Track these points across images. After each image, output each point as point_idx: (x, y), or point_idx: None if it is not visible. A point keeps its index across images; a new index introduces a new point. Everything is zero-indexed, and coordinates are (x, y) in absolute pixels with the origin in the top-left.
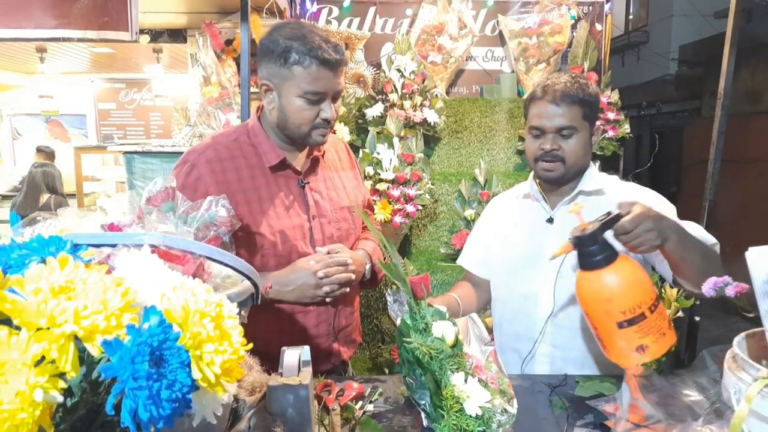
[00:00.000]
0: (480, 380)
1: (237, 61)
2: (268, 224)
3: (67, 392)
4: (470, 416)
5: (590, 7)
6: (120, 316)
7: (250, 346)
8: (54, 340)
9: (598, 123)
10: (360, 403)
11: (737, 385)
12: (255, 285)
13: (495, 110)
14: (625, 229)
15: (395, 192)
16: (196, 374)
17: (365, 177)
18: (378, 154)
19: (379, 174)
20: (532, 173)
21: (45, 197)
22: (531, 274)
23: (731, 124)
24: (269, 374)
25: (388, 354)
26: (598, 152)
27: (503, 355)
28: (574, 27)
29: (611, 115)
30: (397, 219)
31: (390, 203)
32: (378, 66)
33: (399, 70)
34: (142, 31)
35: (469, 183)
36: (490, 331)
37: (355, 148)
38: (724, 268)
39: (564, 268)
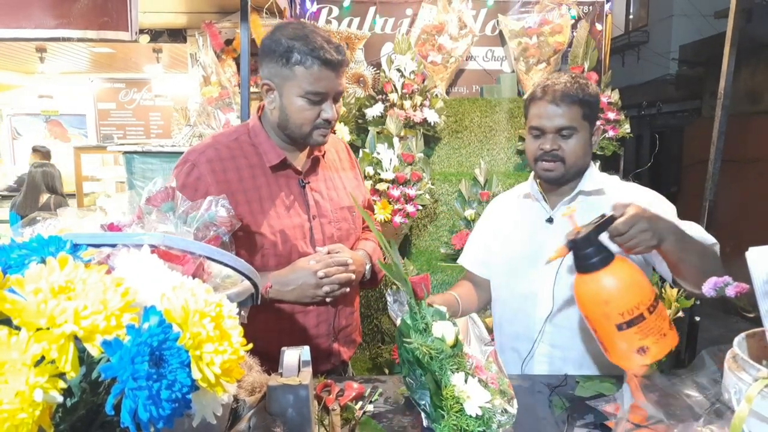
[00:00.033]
0: (480, 380)
1: (237, 60)
2: (269, 224)
3: (67, 392)
4: (470, 416)
5: (590, 7)
6: (120, 316)
7: (250, 346)
8: (54, 340)
9: (598, 123)
10: (360, 403)
11: (737, 386)
12: (255, 285)
13: (495, 110)
14: (620, 231)
15: (395, 192)
16: (195, 374)
17: (365, 177)
18: (378, 154)
19: (379, 174)
20: (532, 173)
21: (45, 197)
22: (530, 274)
23: (731, 124)
24: (269, 374)
25: (388, 354)
26: (598, 152)
27: (503, 354)
28: (574, 27)
29: (611, 115)
30: (397, 219)
31: (390, 203)
32: (378, 66)
33: (399, 70)
34: (141, 31)
35: (469, 183)
36: (490, 331)
37: (355, 148)
38: (725, 268)
39: (563, 269)
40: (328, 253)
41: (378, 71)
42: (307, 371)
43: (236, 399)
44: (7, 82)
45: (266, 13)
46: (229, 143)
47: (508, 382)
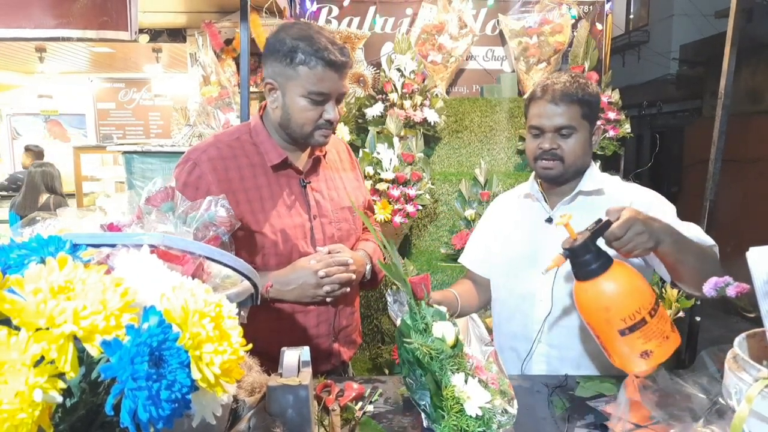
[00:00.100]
0: (480, 381)
1: (236, 60)
2: (270, 223)
3: (67, 392)
4: (470, 417)
5: (591, 7)
6: (119, 316)
7: (250, 346)
8: (53, 340)
9: (598, 123)
10: (360, 403)
11: (738, 386)
12: (254, 285)
13: (495, 110)
14: (616, 235)
15: (395, 192)
16: (195, 375)
17: (365, 177)
18: (378, 153)
19: (379, 174)
20: (533, 173)
21: (44, 197)
22: (529, 274)
23: (732, 124)
24: (269, 374)
25: (388, 354)
26: (598, 152)
27: (502, 354)
28: (574, 26)
29: (612, 115)
30: (397, 219)
31: (390, 203)
32: (378, 65)
33: (399, 70)
34: (141, 31)
35: (470, 183)
36: (490, 331)
37: (355, 147)
38: (725, 268)
39: (562, 270)
40: (329, 252)
41: (378, 71)
42: (307, 371)
43: (236, 399)
44: (7, 82)
45: (266, 13)
46: (231, 142)
47: (509, 383)
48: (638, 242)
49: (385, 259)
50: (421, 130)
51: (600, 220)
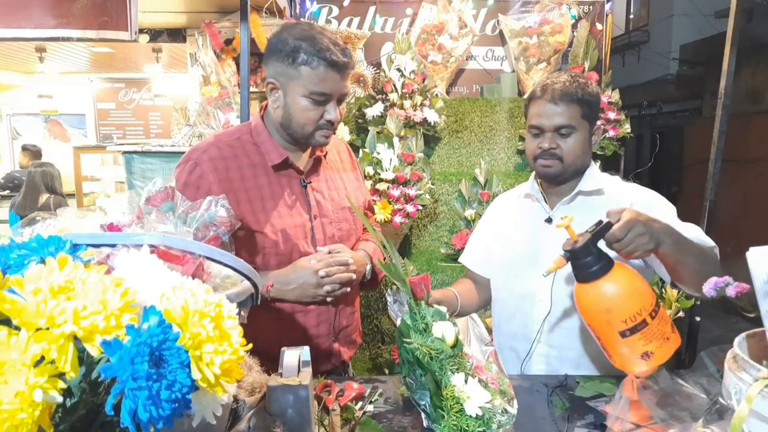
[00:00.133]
0: (480, 381)
1: (236, 60)
2: (270, 223)
3: (67, 392)
4: (470, 417)
5: (591, 7)
6: (119, 316)
7: (250, 346)
8: (53, 340)
9: (598, 123)
10: (360, 403)
11: (738, 386)
12: (254, 285)
13: (495, 110)
14: (617, 237)
15: (395, 192)
16: (195, 374)
17: (365, 177)
18: (378, 153)
19: (379, 174)
20: (533, 173)
21: (44, 197)
22: (529, 274)
23: (732, 124)
24: (269, 374)
25: (388, 354)
26: (598, 152)
27: (501, 354)
28: (574, 26)
29: (612, 115)
30: (397, 219)
31: (390, 203)
32: (378, 65)
33: (399, 70)
34: (141, 31)
35: (470, 183)
36: (490, 331)
37: (355, 147)
38: (725, 269)
39: (562, 270)
40: (329, 252)
41: (378, 71)
42: (307, 371)
43: (236, 399)
44: (7, 82)
45: (266, 13)
46: (232, 142)
47: (508, 383)
48: (639, 244)
49: (385, 259)
50: (421, 130)
51: (600, 222)
